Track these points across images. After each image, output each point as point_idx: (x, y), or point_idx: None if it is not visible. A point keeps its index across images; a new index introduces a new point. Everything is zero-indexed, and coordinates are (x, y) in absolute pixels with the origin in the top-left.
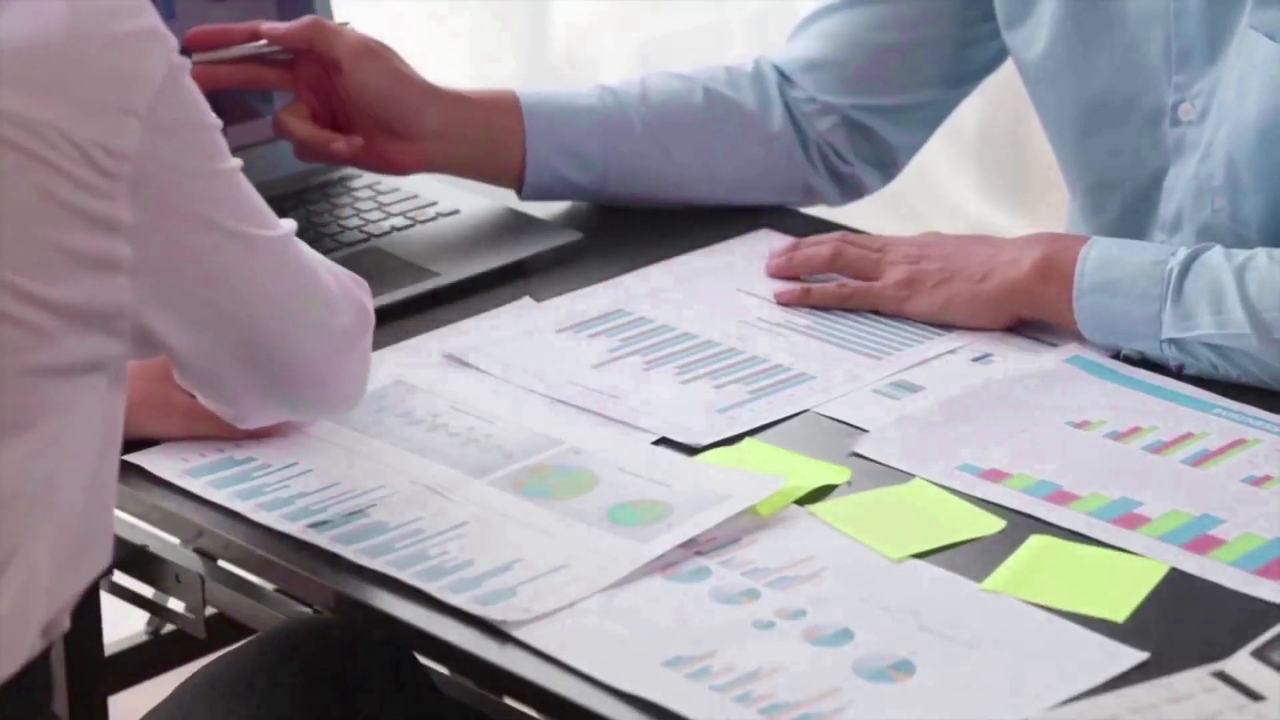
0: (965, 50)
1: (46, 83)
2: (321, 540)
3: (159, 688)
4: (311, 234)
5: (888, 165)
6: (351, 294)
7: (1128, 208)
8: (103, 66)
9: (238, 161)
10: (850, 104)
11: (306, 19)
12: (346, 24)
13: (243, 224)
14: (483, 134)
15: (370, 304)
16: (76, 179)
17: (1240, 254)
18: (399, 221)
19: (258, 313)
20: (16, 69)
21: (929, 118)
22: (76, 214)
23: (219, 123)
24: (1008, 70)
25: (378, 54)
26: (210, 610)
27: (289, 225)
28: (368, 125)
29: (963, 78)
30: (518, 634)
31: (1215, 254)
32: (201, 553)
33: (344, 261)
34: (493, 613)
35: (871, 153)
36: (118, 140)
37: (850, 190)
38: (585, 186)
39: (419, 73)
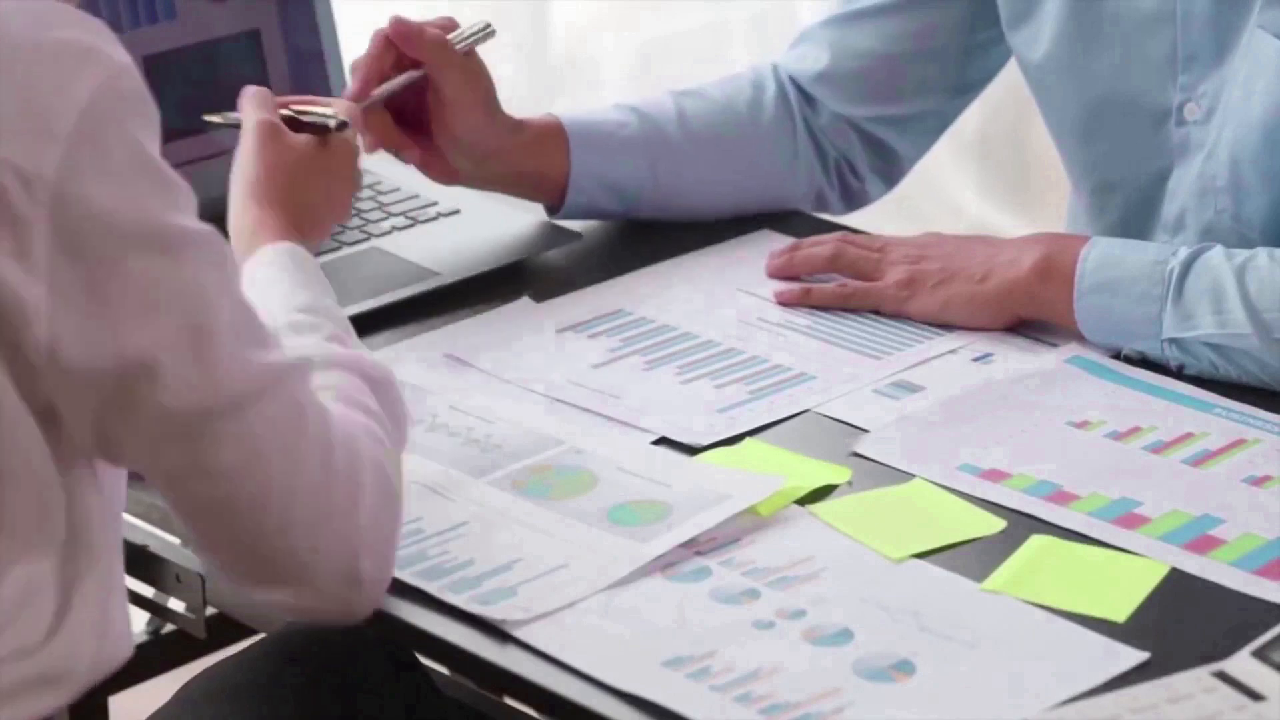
0: (974, 56)
1: None
2: None
3: (159, 688)
4: None
5: (894, 176)
6: (357, 446)
7: (1131, 208)
8: (18, 78)
9: (202, 227)
10: (865, 115)
11: (434, 38)
12: (471, 36)
13: (194, 315)
14: (532, 163)
15: (390, 466)
16: None
17: (1241, 254)
18: (399, 221)
19: (203, 445)
20: None
21: (937, 125)
22: None
23: (183, 184)
24: (1008, 71)
25: (480, 90)
26: (211, 610)
27: (291, 356)
28: (438, 140)
29: (971, 84)
30: (518, 634)
31: (1216, 254)
32: None
33: (344, 261)
34: (493, 613)
35: (880, 164)
36: (33, 162)
37: (854, 202)
38: (616, 212)
39: (501, 105)
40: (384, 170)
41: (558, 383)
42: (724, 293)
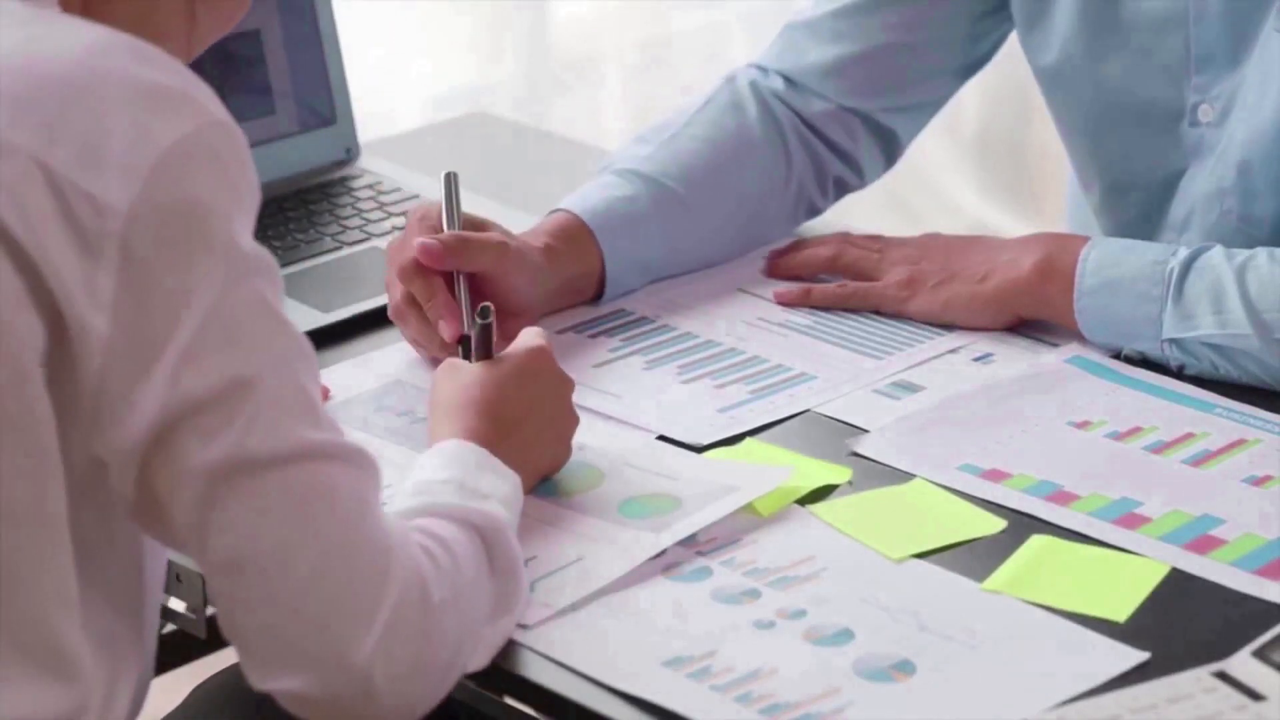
0: (980, 37)
1: (39, 110)
2: None
3: (159, 687)
4: (312, 234)
5: (894, 156)
6: (410, 563)
7: (1144, 208)
8: (110, 110)
9: (271, 305)
10: (876, 106)
11: (452, 242)
12: (454, 205)
13: (242, 367)
14: (572, 281)
15: (444, 579)
16: (61, 218)
17: (1241, 254)
18: (400, 221)
19: (221, 496)
20: (7, 88)
21: (939, 105)
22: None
23: (268, 256)
24: (1008, 70)
25: (513, 254)
26: (211, 610)
27: (342, 442)
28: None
29: (977, 64)
30: (518, 635)
31: (1216, 254)
32: None
33: (344, 261)
34: None
35: (882, 148)
36: (110, 194)
37: (845, 193)
38: (640, 285)
39: (521, 240)
40: (384, 170)
41: None
42: (724, 293)
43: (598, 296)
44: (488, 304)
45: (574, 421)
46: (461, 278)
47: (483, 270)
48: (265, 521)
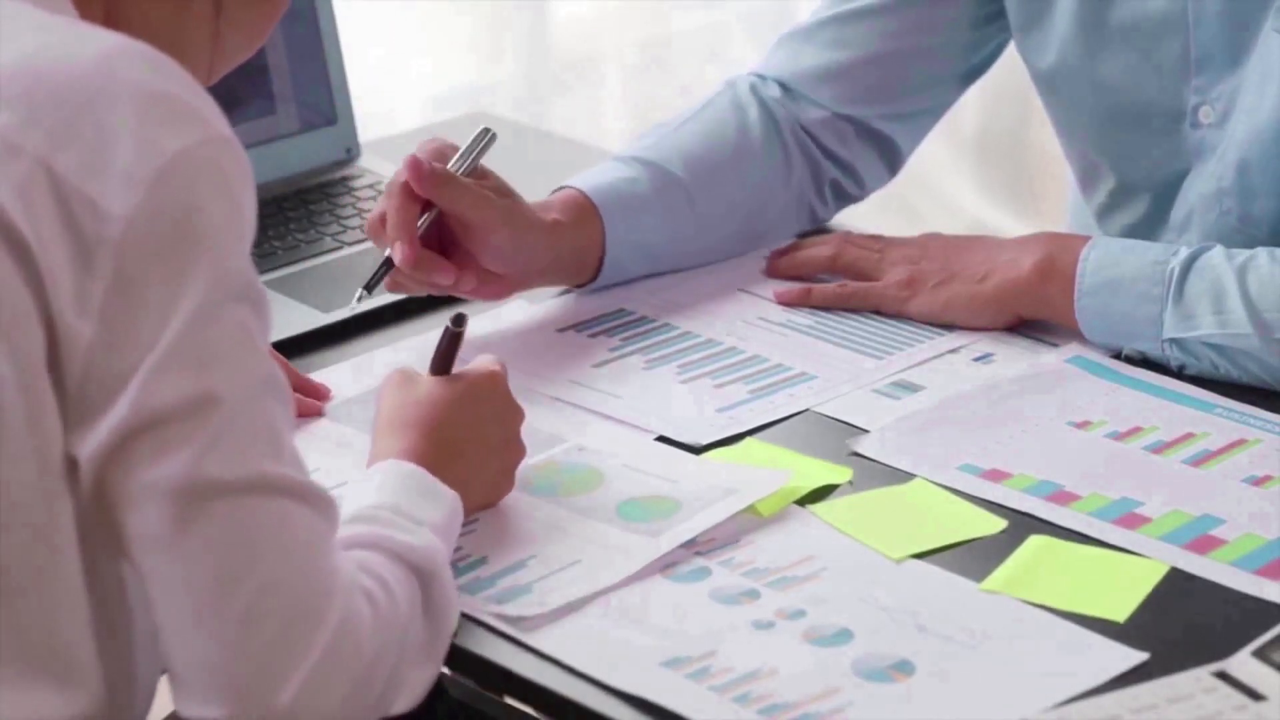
0: (977, 46)
1: (49, 113)
2: None
3: (165, 686)
4: (312, 234)
5: (896, 165)
6: (349, 610)
7: (1147, 210)
8: (117, 119)
9: (250, 331)
10: (872, 114)
11: (439, 173)
12: (473, 154)
13: (214, 386)
14: (569, 245)
15: (382, 626)
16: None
17: (1241, 254)
18: None
19: (175, 517)
20: (20, 91)
21: (938, 114)
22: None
23: (260, 288)
24: (1008, 71)
25: (497, 210)
26: None
27: (300, 480)
28: (482, 260)
29: (975, 72)
30: (518, 634)
31: (1216, 254)
32: None
33: (345, 261)
34: (509, 610)
35: (882, 156)
36: (110, 201)
37: (850, 200)
38: (639, 273)
39: (527, 207)
40: (384, 170)
41: (558, 382)
42: (724, 293)
43: (594, 278)
44: (463, 313)
45: (520, 453)
46: (434, 216)
47: (458, 215)
48: (212, 550)
